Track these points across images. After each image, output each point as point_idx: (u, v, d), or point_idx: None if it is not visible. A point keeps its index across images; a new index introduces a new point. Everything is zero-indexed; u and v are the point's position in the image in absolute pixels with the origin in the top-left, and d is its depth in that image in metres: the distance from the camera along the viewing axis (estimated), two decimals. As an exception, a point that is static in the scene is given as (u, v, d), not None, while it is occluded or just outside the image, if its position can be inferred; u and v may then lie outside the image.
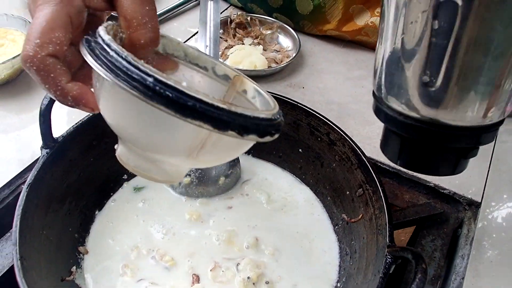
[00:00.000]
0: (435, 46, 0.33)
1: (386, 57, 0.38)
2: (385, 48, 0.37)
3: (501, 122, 0.38)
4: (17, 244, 0.43)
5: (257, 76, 0.82)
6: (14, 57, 0.71)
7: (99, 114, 0.51)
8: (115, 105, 0.34)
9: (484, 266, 0.58)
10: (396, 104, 0.38)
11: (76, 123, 0.55)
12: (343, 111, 0.79)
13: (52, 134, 0.52)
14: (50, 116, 0.51)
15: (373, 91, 0.41)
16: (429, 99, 0.35)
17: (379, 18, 0.87)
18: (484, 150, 0.72)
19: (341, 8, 0.87)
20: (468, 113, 0.35)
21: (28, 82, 0.78)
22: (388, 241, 0.46)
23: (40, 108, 0.51)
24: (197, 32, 0.92)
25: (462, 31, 0.32)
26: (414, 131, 0.37)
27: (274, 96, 0.60)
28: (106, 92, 0.33)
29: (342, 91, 0.84)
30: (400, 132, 0.39)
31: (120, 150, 0.38)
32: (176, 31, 0.94)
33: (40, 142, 0.66)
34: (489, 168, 0.71)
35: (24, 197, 0.47)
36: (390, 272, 0.44)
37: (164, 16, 0.95)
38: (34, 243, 0.47)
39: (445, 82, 0.34)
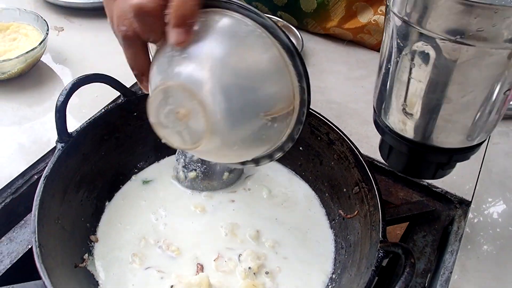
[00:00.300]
0: (411, 84, 0.40)
1: (381, 80, 0.44)
2: (381, 72, 0.43)
3: (475, 146, 0.45)
4: (36, 232, 0.47)
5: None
6: (27, 52, 0.74)
7: (111, 110, 0.55)
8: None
9: (471, 261, 0.62)
10: (387, 121, 0.46)
11: (89, 119, 0.58)
12: (343, 111, 0.82)
13: (67, 129, 0.55)
14: (65, 112, 0.54)
15: (373, 106, 0.47)
16: (407, 123, 0.43)
17: (382, 16, 0.90)
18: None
19: (344, 6, 0.90)
20: (439, 139, 0.43)
21: (39, 76, 0.81)
22: (381, 237, 0.49)
23: (56, 104, 0.54)
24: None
25: (431, 76, 0.39)
26: (399, 143, 0.46)
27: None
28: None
29: (343, 90, 0.87)
30: (389, 142, 0.47)
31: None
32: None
33: (52, 133, 0.70)
34: (480, 168, 0.74)
35: (42, 188, 0.50)
36: (382, 265, 0.47)
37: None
38: (50, 231, 0.50)
39: (418, 113, 0.42)
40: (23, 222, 0.62)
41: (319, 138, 0.63)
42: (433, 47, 0.37)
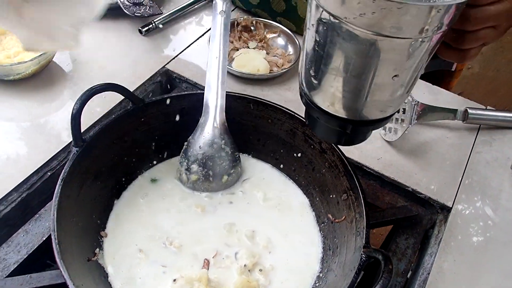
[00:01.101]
0: (316, 52, 0.45)
1: (302, 55, 0.49)
2: (303, 49, 0.49)
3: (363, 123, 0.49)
4: (55, 230, 0.52)
5: (259, 80, 0.89)
6: (40, 55, 0.78)
7: (121, 116, 0.60)
8: None
9: (448, 264, 0.68)
10: (302, 87, 0.51)
11: (100, 125, 0.63)
12: (336, 117, 0.87)
13: (81, 134, 0.60)
14: (79, 119, 0.59)
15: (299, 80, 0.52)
16: (314, 87, 0.48)
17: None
18: (459, 159, 0.82)
19: None
20: (333, 106, 0.48)
21: (50, 75, 0.85)
22: (364, 242, 0.55)
23: (72, 112, 0.58)
24: (208, 30, 0.99)
25: (327, 49, 0.44)
26: (308, 107, 0.51)
27: (273, 106, 0.69)
28: None
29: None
30: (306, 107, 0.52)
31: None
32: (188, 28, 1.01)
33: (62, 132, 0.75)
34: (462, 176, 0.80)
35: (59, 190, 0.55)
36: (362, 269, 0.53)
37: (176, 14, 1.01)
38: (66, 228, 0.55)
39: (321, 80, 0.47)
40: (37, 215, 0.67)
41: (312, 146, 0.68)
42: (333, 25, 0.41)
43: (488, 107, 0.91)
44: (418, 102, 0.78)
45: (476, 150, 0.84)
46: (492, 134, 0.87)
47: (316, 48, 0.45)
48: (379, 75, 0.43)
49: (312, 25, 0.44)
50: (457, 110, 0.84)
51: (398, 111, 0.80)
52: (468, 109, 0.84)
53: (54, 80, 0.85)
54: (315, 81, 0.48)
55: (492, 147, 0.85)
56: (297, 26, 1.00)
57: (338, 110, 0.48)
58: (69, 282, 0.48)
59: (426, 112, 0.80)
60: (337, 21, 0.40)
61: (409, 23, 0.38)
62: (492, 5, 0.46)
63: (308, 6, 0.45)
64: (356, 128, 0.50)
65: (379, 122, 0.49)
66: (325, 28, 0.42)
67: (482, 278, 0.66)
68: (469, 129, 0.87)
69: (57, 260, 0.50)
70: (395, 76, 0.43)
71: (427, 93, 0.93)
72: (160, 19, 0.97)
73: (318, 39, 0.44)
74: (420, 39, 0.40)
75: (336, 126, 0.50)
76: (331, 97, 0.47)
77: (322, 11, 0.41)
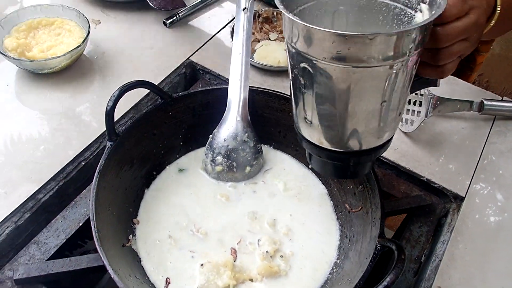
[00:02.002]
0: (304, 94, 0.49)
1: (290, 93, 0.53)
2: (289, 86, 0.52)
3: (365, 152, 0.52)
4: (94, 219, 0.57)
5: (279, 71, 0.92)
6: (72, 50, 0.82)
7: (151, 111, 0.65)
8: None
9: (459, 251, 0.71)
10: (299, 128, 0.54)
11: (132, 120, 0.68)
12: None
13: (115, 129, 0.64)
14: (113, 116, 0.63)
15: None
16: (312, 131, 0.52)
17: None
18: (473, 149, 0.84)
19: None
20: (331, 142, 0.52)
21: (81, 69, 0.89)
22: (379, 232, 0.58)
23: (106, 109, 0.63)
24: (229, 22, 1.02)
25: (314, 89, 0.47)
26: (308, 148, 0.56)
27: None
28: None
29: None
30: (305, 148, 0.56)
31: None
32: (211, 20, 1.04)
33: (94, 123, 0.80)
34: (476, 166, 0.82)
35: (96, 183, 0.60)
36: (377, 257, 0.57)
37: (200, 6, 1.04)
38: (103, 217, 0.60)
39: (314, 119, 0.50)
40: (73, 203, 0.72)
41: (331, 139, 0.72)
42: (314, 67, 0.45)
43: (504, 98, 0.92)
44: (434, 95, 0.81)
45: (491, 141, 0.86)
46: (507, 124, 0.89)
47: (303, 90, 0.48)
48: (368, 104, 0.47)
49: (295, 69, 0.47)
50: (473, 101, 0.86)
51: (415, 103, 0.83)
52: (483, 100, 0.86)
53: (85, 72, 0.89)
54: (308, 121, 0.51)
55: (506, 137, 0.87)
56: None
57: (336, 144, 0.51)
58: (108, 267, 0.53)
59: (442, 104, 0.83)
60: (317, 61, 0.44)
61: (383, 50, 0.42)
62: (459, 20, 0.48)
63: (287, 52, 0.48)
64: (358, 159, 0.53)
65: (378, 149, 0.52)
66: (307, 70, 0.46)
67: (492, 265, 0.69)
68: (485, 119, 0.89)
69: (97, 247, 0.55)
70: (383, 102, 0.47)
71: (444, 83, 0.95)
72: (184, 11, 1.01)
73: (303, 82, 0.47)
74: (396, 64, 0.44)
75: (338, 161, 0.54)
76: (327, 133, 0.51)
77: (301, 55, 0.45)
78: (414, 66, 0.47)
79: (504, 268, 0.69)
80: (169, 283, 0.62)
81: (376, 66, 0.43)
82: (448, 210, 0.78)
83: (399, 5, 0.50)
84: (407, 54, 0.43)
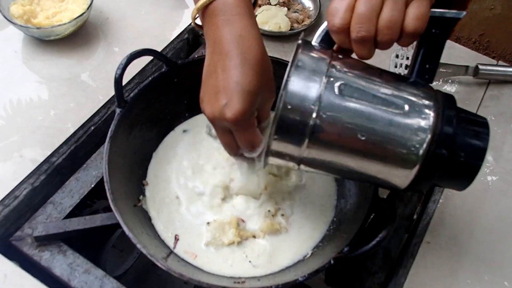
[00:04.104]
0: None
1: None
2: None
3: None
4: (108, 181, 0.61)
5: (280, 36, 0.94)
6: (78, 16, 0.84)
7: (157, 78, 0.68)
8: None
9: (449, 209, 0.76)
10: None
11: (139, 87, 0.70)
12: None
13: (123, 96, 0.67)
14: (122, 83, 0.66)
15: None
16: None
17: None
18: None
19: None
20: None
21: (86, 35, 0.91)
22: (373, 193, 0.63)
23: (115, 77, 0.65)
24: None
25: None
26: None
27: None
28: None
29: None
30: None
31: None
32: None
33: (101, 89, 0.83)
34: (468, 129, 0.86)
35: (108, 147, 0.64)
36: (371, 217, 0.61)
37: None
38: (116, 179, 0.64)
39: None
40: (85, 165, 0.76)
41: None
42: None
43: (500, 62, 0.95)
44: (430, 60, 0.83)
45: (484, 105, 0.89)
46: (501, 88, 0.92)
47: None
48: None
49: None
50: (468, 66, 0.89)
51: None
52: (478, 65, 0.89)
53: (89, 39, 0.91)
54: None
55: (499, 101, 0.90)
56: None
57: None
58: (123, 225, 0.58)
59: (439, 70, 0.85)
60: None
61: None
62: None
63: None
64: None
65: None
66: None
67: (479, 222, 0.74)
68: (479, 84, 0.92)
69: (112, 206, 0.59)
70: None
71: (441, 48, 0.97)
72: (185, -25, 1.01)
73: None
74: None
75: None
76: None
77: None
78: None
79: (490, 225, 0.74)
80: (178, 239, 0.67)
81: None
82: (440, 171, 0.82)
83: None
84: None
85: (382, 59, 0.94)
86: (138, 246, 0.56)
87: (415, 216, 0.78)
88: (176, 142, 0.77)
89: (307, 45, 0.50)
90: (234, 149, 0.57)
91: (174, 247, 0.66)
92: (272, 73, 0.54)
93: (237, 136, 0.54)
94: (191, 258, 0.65)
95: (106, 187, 0.61)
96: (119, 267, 1.06)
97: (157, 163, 0.75)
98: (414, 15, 0.46)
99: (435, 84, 0.91)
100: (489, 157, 0.82)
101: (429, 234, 0.72)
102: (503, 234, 0.73)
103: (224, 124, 0.52)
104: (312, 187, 0.73)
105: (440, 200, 0.76)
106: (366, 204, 0.62)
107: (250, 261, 0.66)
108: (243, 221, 0.68)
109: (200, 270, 0.64)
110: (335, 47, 0.51)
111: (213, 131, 0.75)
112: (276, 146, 0.49)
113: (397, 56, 0.88)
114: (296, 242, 0.67)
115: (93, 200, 0.88)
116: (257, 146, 0.55)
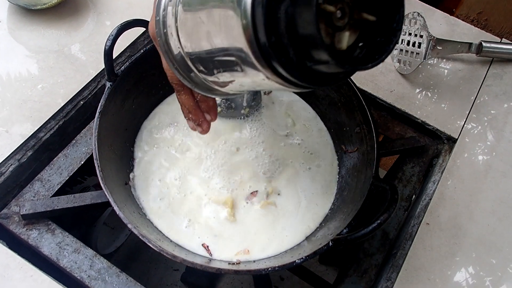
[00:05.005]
0: None
1: None
2: None
3: None
4: (98, 159, 0.58)
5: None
6: (66, -16, 0.80)
7: (148, 52, 0.64)
8: None
9: (449, 190, 0.74)
10: None
11: (130, 60, 0.67)
12: (353, 48, 0.89)
13: (114, 70, 0.64)
14: (112, 56, 0.63)
15: None
16: None
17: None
18: (469, 92, 0.85)
19: None
20: None
21: (74, 5, 0.87)
22: (373, 173, 0.60)
23: (104, 49, 0.62)
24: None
25: None
26: None
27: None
28: None
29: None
30: None
31: None
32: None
33: (90, 62, 0.79)
34: (470, 109, 0.83)
35: (98, 123, 0.61)
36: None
37: None
38: (106, 157, 0.61)
39: None
40: (74, 141, 0.73)
41: (329, 81, 0.72)
42: None
43: (503, 40, 0.92)
44: (434, 37, 0.80)
45: (487, 83, 0.87)
46: (504, 67, 0.90)
47: None
48: None
49: None
50: (471, 43, 0.86)
51: (414, 45, 0.82)
52: (482, 42, 0.86)
53: (79, 8, 0.87)
54: None
55: (502, 80, 0.88)
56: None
57: None
58: (113, 204, 0.55)
59: (440, 46, 0.82)
60: None
61: None
62: None
63: None
64: None
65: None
66: None
67: (479, 204, 0.73)
68: (482, 62, 0.89)
69: (102, 185, 0.56)
70: None
71: (444, 24, 0.94)
72: None
73: None
74: None
75: None
76: None
77: None
78: None
79: (490, 207, 0.72)
80: (170, 219, 0.65)
81: None
82: (440, 151, 0.81)
83: None
84: None
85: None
86: (129, 226, 0.54)
87: (413, 197, 0.76)
88: (165, 115, 0.74)
89: None
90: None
91: (167, 227, 0.64)
92: None
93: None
94: (184, 238, 0.63)
95: (96, 164, 0.58)
96: (110, 245, 1.04)
97: (148, 139, 0.72)
98: None
99: (437, 62, 0.88)
100: (490, 137, 0.80)
101: (428, 215, 0.71)
102: (504, 216, 0.71)
103: None
104: (315, 160, 0.71)
105: (440, 181, 0.75)
106: (366, 185, 0.60)
107: (245, 242, 0.64)
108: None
109: (193, 252, 0.62)
110: None
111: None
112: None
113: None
114: (294, 223, 0.65)
115: (84, 176, 0.85)
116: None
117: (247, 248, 0.62)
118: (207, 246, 0.62)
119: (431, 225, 0.70)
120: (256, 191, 0.67)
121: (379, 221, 0.52)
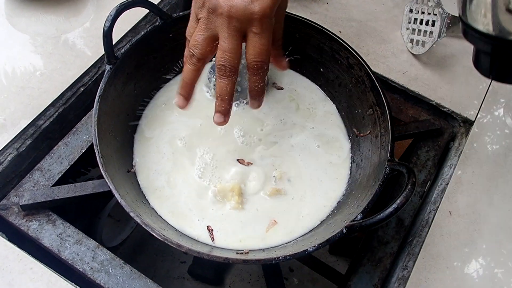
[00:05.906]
0: None
1: None
2: None
3: None
4: (98, 144, 0.55)
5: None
6: (63, -33, 0.77)
7: (150, 33, 0.62)
8: None
9: (466, 175, 0.70)
10: (482, 27, 0.44)
11: (131, 42, 0.64)
12: (362, 29, 0.86)
13: (114, 52, 0.61)
14: (111, 37, 0.60)
15: (459, 15, 0.47)
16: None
17: None
18: (485, 72, 0.81)
19: None
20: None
21: (73, -12, 0.84)
22: (389, 156, 0.57)
23: (103, 30, 0.59)
24: None
25: None
26: (501, 50, 0.44)
27: (301, 20, 0.68)
28: None
29: (363, 8, 0.89)
30: (488, 50, 0.46)
31: None
32: None
33: (90, 47, 0.76)
34: (487, 90, 0.80)
35: (97, 107, 0.58)
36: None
37: None
38: (106, 142, 0.58)
39: None
40: (75, 129, 0.71)
41: (339, 62, 0.68)
42: None
43: (520, 18, 0.88)
44: (449, 14, 0.76)
45: (504, 63, 0.83)
46: (522, 46, 0.85)
47: None
48: None
49: None
50: (487, 21, 0.82)
51: (427, 23, 0.79)
52: (499, 20, 0.82)
53: (77, -8, 0.84)
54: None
55: (520, 59, 0.84)
56: None
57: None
58: (114, 192, 0.52)
59: (456, 24, 0.78)
60: None
61: None
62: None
63: None
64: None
65: None
66: None
67: (498, 188, 0.69)
68: (499, 41, 0.85)
69: (102, 172, 0.53)
70: None
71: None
72: None
73: None
74: None
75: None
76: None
77: None
78: None
79: (510, 191, 0.69)
80: (175, 208, 0.62)
81: None
82: (456, 135, 0.77)
83: None
84: None
85: (394, 14, 0.87)
86: (132, 214, 0.51)
87: (429, 183, 0.73)
88: (167, 100, 0.71)
89: None
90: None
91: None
92: None
93: (253, 42, 0.51)
94: (190, 227, 0.60)
95: (96, 150, 0.55)
96: (115, 238, 1.02)
97: (148, 121, 0.69)
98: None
99: (451, 41, 0.84)
100: (508, 121, 0.76)
101: (445, 201, 0.67)
102: (525, 201, 0.68)
103: (243, 25, 0.50)
104: (323, 146, 0.68)
105: (457, 165, 0.71)
106: (381, 169, 0.57)
107: (254, 231, 0.61)
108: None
109: (198, 241, 0.59)
110: None
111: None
112: None
113: (411, 11, 0.81)
114: (304, 210, 0.62)
115: (87, 168, 0.83)
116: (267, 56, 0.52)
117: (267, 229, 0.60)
118: (211, 230, 0.59)
119: (448, 211, 0.66)
120: (264, 177, 0.64)
121: (396, 206, 0.49)
